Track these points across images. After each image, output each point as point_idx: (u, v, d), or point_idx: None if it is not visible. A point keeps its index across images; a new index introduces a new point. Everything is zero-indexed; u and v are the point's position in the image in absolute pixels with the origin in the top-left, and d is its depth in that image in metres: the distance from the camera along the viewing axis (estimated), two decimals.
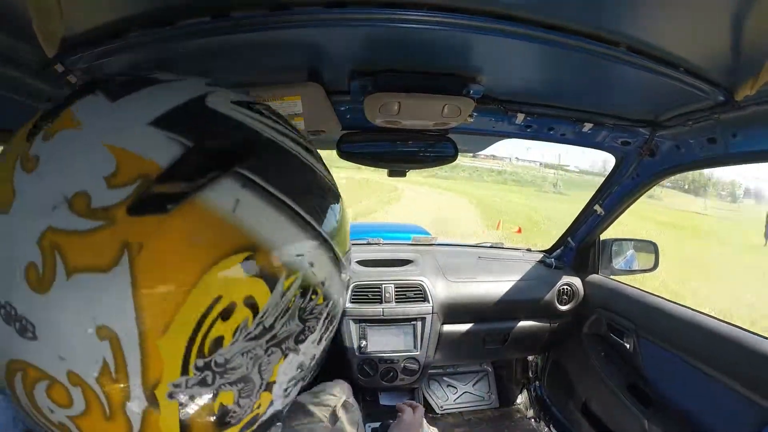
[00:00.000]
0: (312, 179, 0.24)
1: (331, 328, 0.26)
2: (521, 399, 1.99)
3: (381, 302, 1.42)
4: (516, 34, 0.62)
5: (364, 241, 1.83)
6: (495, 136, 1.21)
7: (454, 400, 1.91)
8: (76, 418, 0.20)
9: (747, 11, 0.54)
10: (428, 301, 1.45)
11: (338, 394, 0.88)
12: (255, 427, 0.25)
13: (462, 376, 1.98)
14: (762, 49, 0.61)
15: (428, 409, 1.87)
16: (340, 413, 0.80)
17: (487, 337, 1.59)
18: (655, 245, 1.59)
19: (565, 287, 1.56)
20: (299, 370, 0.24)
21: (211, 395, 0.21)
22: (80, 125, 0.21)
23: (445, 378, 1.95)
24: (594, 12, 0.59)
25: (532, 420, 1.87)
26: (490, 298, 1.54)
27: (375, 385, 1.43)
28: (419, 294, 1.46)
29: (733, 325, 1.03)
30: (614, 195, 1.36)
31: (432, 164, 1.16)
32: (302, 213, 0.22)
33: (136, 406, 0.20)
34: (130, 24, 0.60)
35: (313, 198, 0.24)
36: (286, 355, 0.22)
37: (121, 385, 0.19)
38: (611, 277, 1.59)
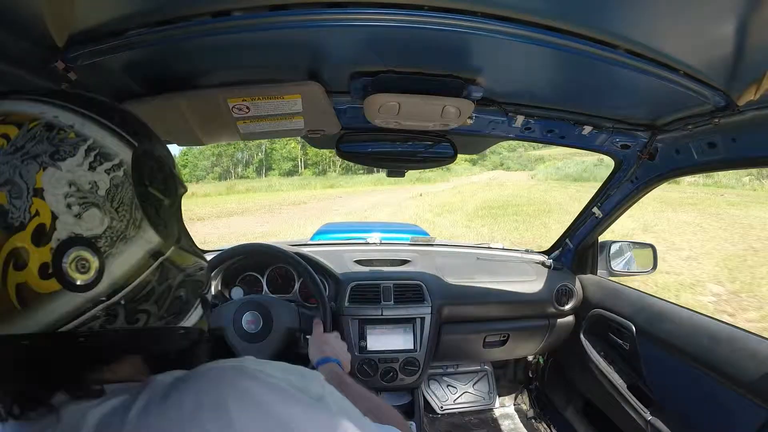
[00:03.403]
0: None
1: (103, 161, 0.35)
2: (521, 399, 1.99)
3: (380, 302, 1.42)
4: (516, 36, 0.62)
5: (363, 241, 1.83)
6: (494, 138, 1.21)
7: (454, 400, 1.91)
8: None
9: (750, 15, 0.54)
10: (427, 302, 1.45)
11: None
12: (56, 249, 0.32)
13: (462, 376, 1.98)
14: (765, 53, 0.61)
15: (428, 409, 1.87)
16: None
17: (487, 337, 1.59)
18: (653, 247, 1.59)
19: (564, 288, 1.56)
20: (72, 187, 0.33)
21: None
22: None
23: (445, 378, 1.96)
24: (594, 14, 0.59)
25: (532, 420, 1.87)
26: (490, 299, 1.53)
27: (375, 385, 1.42)
28: (418, 294, 1.46)
29: (733, 325, 1.03)
30: (613, 198, 1.36)
31: (431, 165, 1.16)
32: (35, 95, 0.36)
33: None
34: (130, 22, 0.61)
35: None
36: (44, 168, 0.32)
37: None
38: (610, 278, 1.59)
